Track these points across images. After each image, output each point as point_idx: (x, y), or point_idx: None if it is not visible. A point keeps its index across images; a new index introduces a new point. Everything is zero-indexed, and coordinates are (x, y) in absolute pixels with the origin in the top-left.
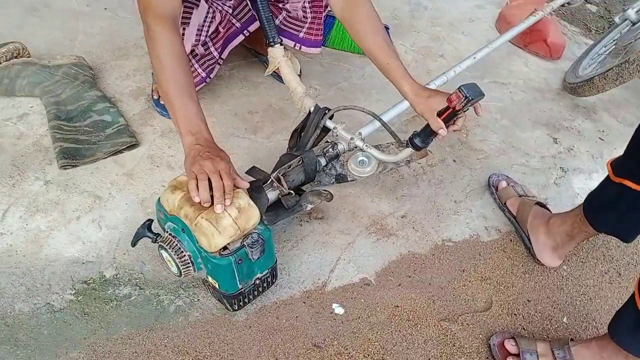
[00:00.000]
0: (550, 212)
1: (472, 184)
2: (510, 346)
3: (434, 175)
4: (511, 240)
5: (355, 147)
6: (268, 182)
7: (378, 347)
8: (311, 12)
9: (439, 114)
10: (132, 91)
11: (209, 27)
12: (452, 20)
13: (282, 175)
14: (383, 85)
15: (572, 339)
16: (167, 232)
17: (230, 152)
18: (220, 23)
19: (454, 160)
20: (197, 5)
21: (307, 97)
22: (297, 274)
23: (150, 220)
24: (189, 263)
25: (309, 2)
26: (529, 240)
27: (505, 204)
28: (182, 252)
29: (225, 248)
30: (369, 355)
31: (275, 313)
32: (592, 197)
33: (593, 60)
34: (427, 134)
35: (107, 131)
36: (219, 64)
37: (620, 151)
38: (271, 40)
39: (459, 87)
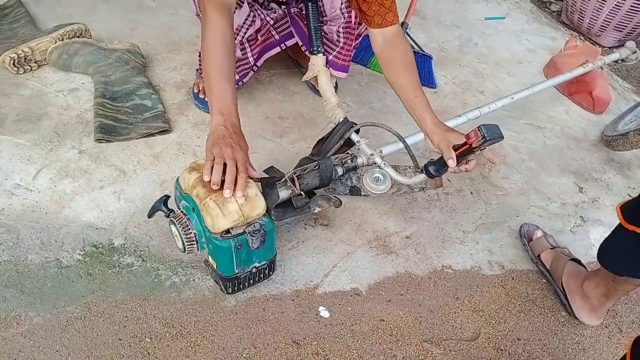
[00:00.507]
0: (585, 269)
1: (484, 218)
2: None
3: (448, 204)
4: (513, 279)
5: (374, 164)
6: (282, 181)
7: (355, 355)
8: (343, 38)
9: (455, 148)
10: (176, 82)
11: (247, 29)
12: (500, 59)
13: (296, 176)
14: None
15: None
16: (180, 209)
17: (254, 151)
18: (259, 30)
19: (471, 193)
20: (241, 6)
21: (338, 108)
22: (291, 272)
23: (167, 196)
24: (193, 241)
25: (343, 28)
26: (566, 298)
27: (539, 256)
28: (189, 229)
29: (228, 232)
30: None
31: (263, 305)
32: (606, 250)
33: (637, 116)
34: (441, 164)
35: (145, 115)
36: (253, 70)
37: None
38: (315, 48)
39: (479, 126)
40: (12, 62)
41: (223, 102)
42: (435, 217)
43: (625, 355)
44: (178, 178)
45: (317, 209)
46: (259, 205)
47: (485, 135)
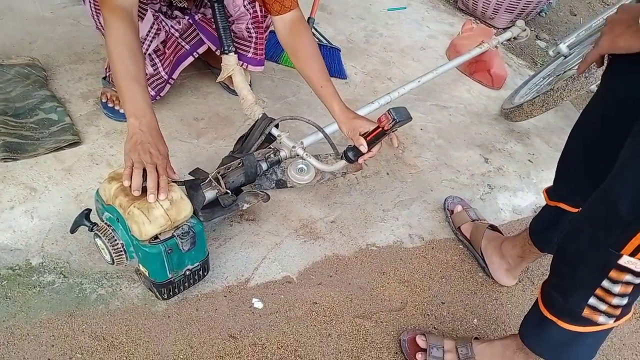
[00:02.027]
0: (502, 235)
1: (401, 196)
2: (420, 341)
3: (367, 186)
4: (433, 248)
5: (296, 155)
6: (207, 181)
7: (292, 340)
8: (254, 32)
9: (370, 133)
10: (82, 93)
11: (151, 41)
12: (404, 47)
13: (220, 175)
14: None
15: (476, 338)
16: (103, 221)
17: (172, 154)
18: (165, 43)
19: (387, 173)
20: (144, 16)
21: (256, 105)
22: (221, 270)
23: (89, 210)
24: (121, 251)
25: (251, 23)
26: (484, 261)
27: (459, 228)
28: (116, 240)
29: (156, 237)
30: (282, 347)
31: (196, 305)
32: (535, 221)
33: (530, 89)
34: (357, 149)
35: (51, 129)
36: (169, 83)
37: (546, 173)
38: (226, 48)
39: (389, 110)
40: None
41: (135, 104)
42: (357, 200)
43: (537, 299)
44: (98, 190)
45: (246, 206)
46: (185, 208)
47: (395, 118)
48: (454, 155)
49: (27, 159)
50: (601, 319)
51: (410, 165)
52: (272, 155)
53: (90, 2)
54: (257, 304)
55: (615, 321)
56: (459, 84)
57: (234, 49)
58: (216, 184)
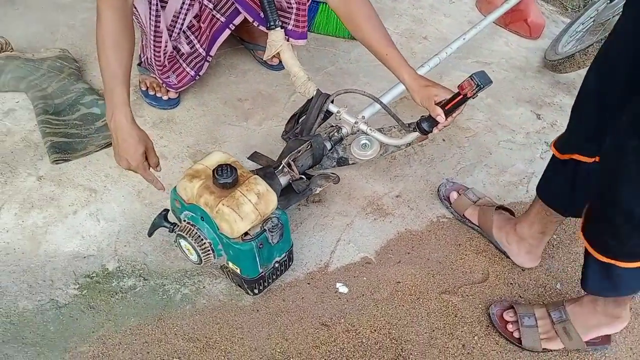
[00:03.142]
0: (513, 216)
1: (462, 162)
2: (508, 317)
3: (425, 155)
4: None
5: (359, 131)
6: (280, 168)
7: (384, 322)
8: (295, 3)
9: (448, 102)
10: None
11: (185, 15)
12: (433, 2)
13: (292, 160)
14: (370, 68)
15: (566, 300)
16: (184, 221)
17: (224, 140)
18: (199, 17)
19: (444, 140)
20: None
21: (310, 82)
22: (299, 256)
23: (167, 210)
24: (209, 250)
25: None
26: (501, 249)
27: (464, 215)
28: (202, 239)
29: (246, 234)
30: (375, 330)
31: (281, 295)
32: (546, 185)
33: (572, 37)
34: (433, 120)
35: (96, 124)
36: (207, 61)
37: None
38: (272, 23)
39: (471, 75)
40: None
41: (109, 102)
42: (417, 171)
43: (585, 250)
44: (175, 189)
45: (319, 189)
46: (272, 200)
47: (479, 83)
48: (505, 114)
49: (79, 158)
50: None
51: (464, 128)
52: (335, 134)
53: None
54: (342, 288)
55: None
56: (495, 37)
57: (280, 24)
58: (289, 169)
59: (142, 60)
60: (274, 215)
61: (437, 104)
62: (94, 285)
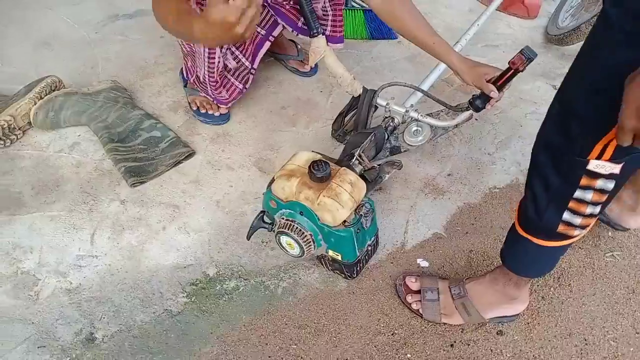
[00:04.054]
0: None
1: (498, 137)
2: (410, 283)
3: (464, 135)
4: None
5: (410, 119)
6: (353, 159)
7: None
8: (331, 10)
9: (499, 78)
10: (169, 106)
11: None
12: None
13: (362, 152)
14: (392, 63)
15: (468, 278)
16: (282, 218)
17: (279, 145)
18: None
19: (476, 119)
20: None
21: (356, 81)
22: None
23: (264, 212)
24: (310, 242)
25: (329, 1)
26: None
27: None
28: (304, 232)
29: (344, 221)
30: None
31: (371, 276)
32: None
33: (568, 12)
34: (486, 97)
35: (160, 145)
36: (252, 73)
37: None
38: (315, 31)
39: (521, 50)
40: None
41: None
42: (461, 150)
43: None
44: (269, 191)
45: (387, 176)
46: (363, 187)
47: (530, 57)
48: (524, 88)
49: (153, 179)
50: (576, 232)
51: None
52: (390, 124)
53: None
54: (423, 263)
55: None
56: (496, 21)
57: (322, 31)
58: (361, 160)
59: (191, 80)
60: (366, 202)
61: (487, 81)
62: (200, 292)
